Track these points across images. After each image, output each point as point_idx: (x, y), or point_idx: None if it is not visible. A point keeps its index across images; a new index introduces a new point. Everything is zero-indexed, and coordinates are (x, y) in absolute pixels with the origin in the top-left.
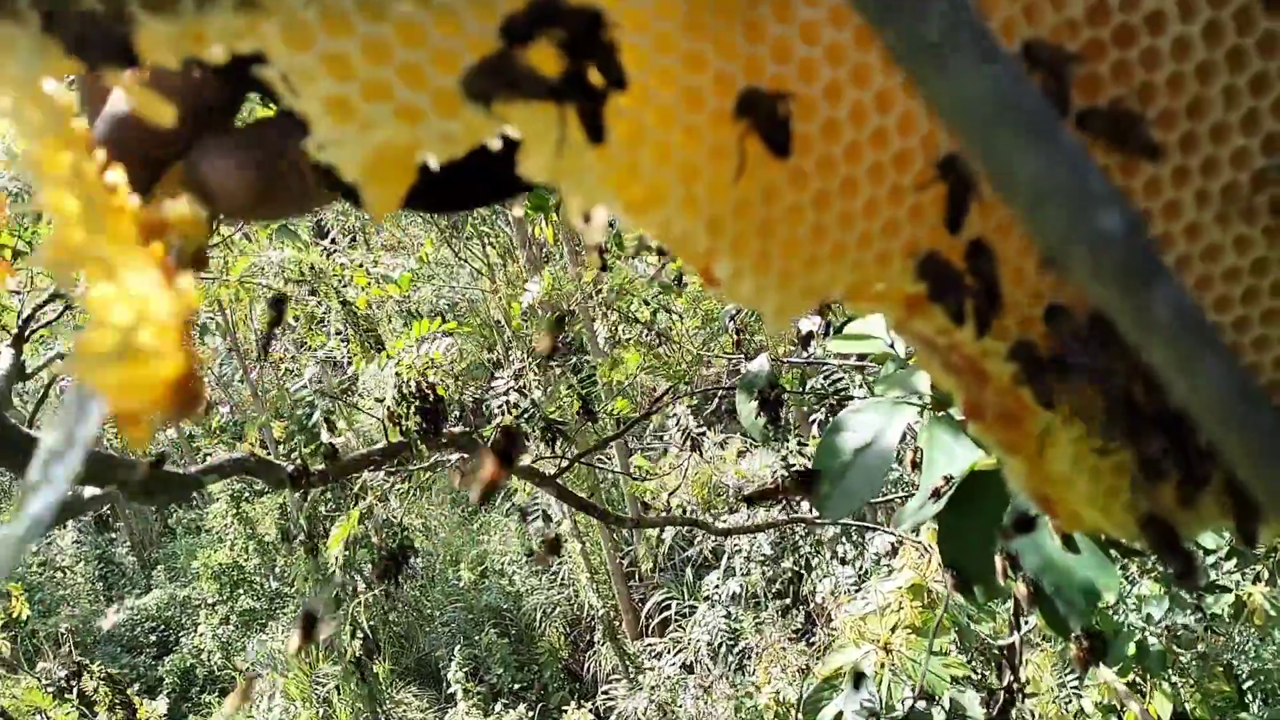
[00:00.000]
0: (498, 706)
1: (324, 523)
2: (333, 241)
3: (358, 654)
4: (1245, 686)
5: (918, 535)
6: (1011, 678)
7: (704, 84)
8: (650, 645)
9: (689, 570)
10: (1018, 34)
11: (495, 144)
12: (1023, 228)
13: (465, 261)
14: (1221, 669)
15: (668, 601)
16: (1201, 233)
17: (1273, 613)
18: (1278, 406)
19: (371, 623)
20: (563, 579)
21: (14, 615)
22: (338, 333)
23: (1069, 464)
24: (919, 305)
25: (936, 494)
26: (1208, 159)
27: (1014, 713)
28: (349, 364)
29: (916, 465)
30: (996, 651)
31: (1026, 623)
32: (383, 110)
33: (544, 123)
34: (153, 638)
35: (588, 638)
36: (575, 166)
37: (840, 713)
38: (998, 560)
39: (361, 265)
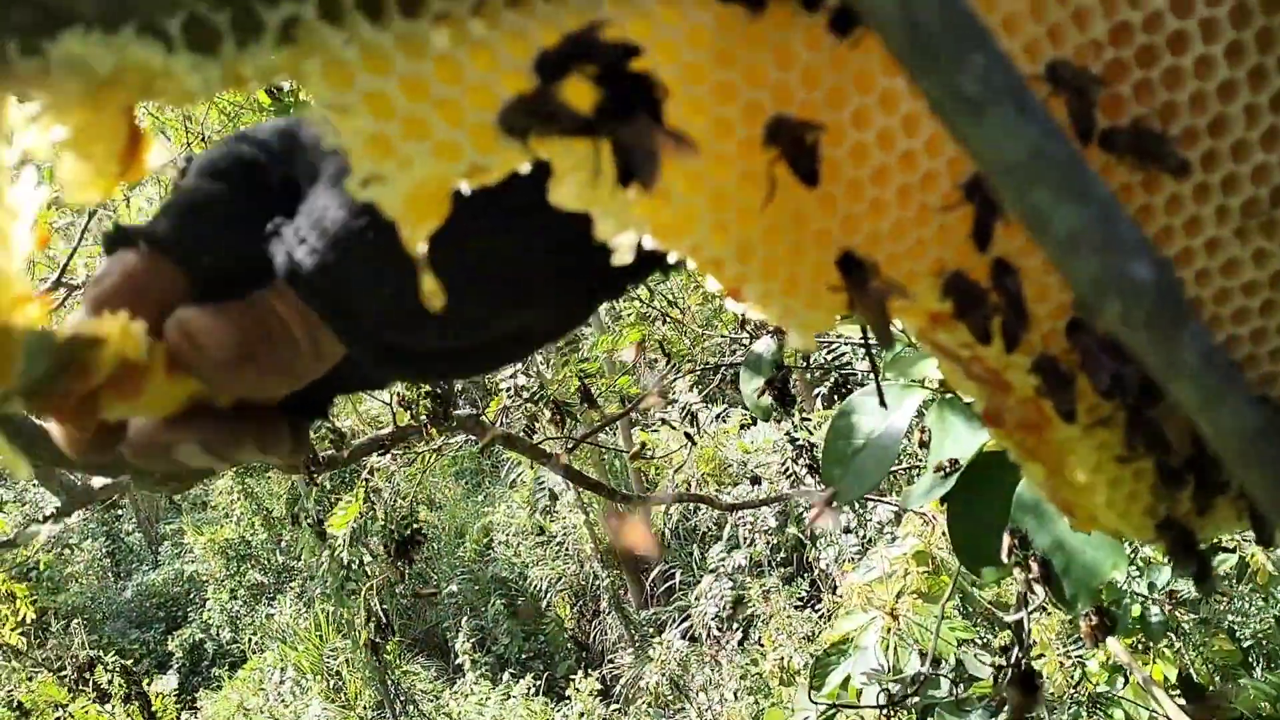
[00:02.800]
0: (505, 676)
1: (329, 498)
2: None
3: (371, 636)
4: (1247, 647)
5: (922, 505)
6: (1019, 654)
7: (733, 113)
8: (656, 614)
9: (695, 546)
10: (1042, 55)
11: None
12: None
13: None
14: (1224, 631)
15: (672, 571)
16: (1221, 247)
17: (1274, 572)
18: None
19: (381, 601)
20: (567, 550)
21: (21, 617)
22: None
23: (1090, 471)
24: (943, 320)
25: (941, 470)
26: (1229, 175)
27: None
28: None
29: (925, 445)
30: (1003, 616)
31: (1034, 597)
32: (421, 148)
33: (578, 154)
34: (161, 613)
35: (594, 608)
36: (607, 194)
37: (848, 676)
38: (1006, 540)
39: None
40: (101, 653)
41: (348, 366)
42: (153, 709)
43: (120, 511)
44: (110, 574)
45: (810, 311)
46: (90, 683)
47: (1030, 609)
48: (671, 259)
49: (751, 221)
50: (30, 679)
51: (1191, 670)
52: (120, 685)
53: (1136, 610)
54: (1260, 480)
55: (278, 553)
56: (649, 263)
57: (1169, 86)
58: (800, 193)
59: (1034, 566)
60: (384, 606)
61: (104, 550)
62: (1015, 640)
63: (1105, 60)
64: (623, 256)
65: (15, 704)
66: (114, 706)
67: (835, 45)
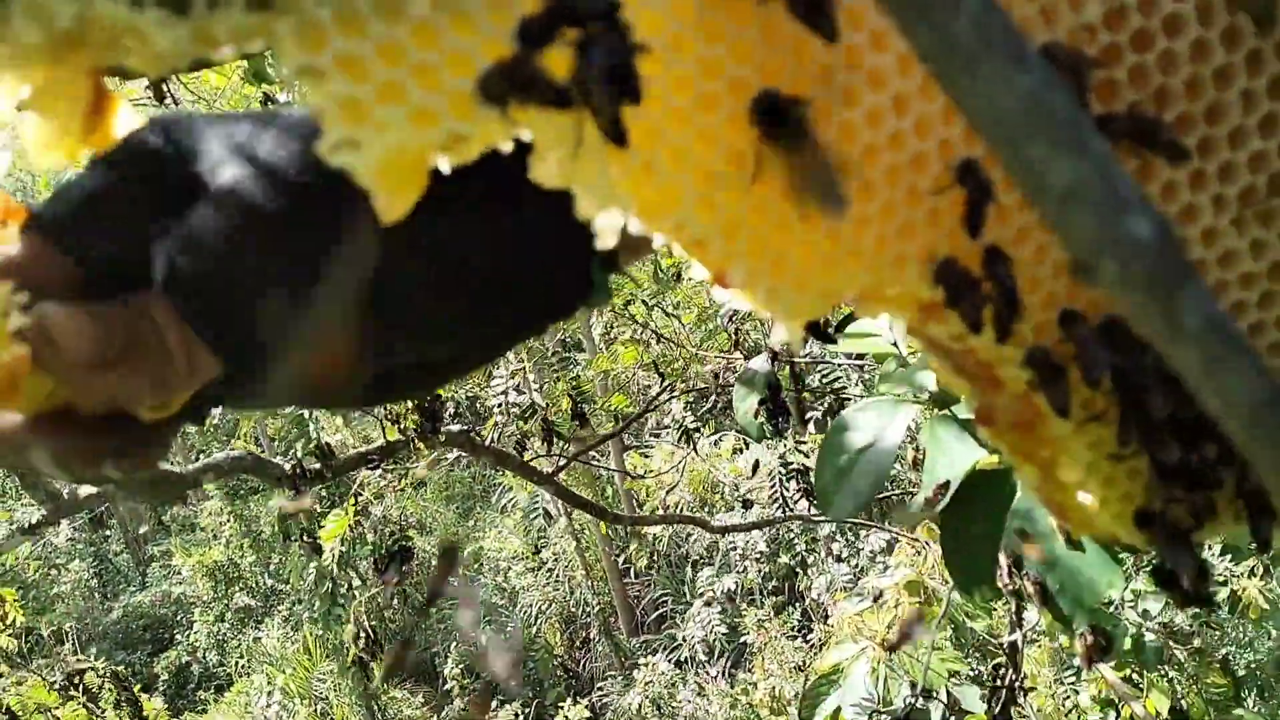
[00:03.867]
0: (494, 702)
1: (319, 516)
2: None
3: (360, 655)
4: (1240, 678)
5: (913, 532)
6: (1013, 675)
7: (719, 88)
8: (646, 642)
9: (687, 568)
10: (1035, 37)
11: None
12: (1048, 233)
13: None
14: (1218, 663)
15: (664, 598)
16: (1218, 238)
17: (1266, 606)
18: None
19: (373, 621)
20: (558, 576)
21: (7, 620)
22: None
23: (1083, 470)
24: (934, 310)
25: (930, 503)
26: (1225, 163)
27: (1013, 710)
28: None
29: (917, 464)
30: (995, 648)
31: (1027, 621)
32: (397, 112)
33: (559, 125)
34: (147, 635)
35: (584, 635)
36: (590, 169)
37: (839, 707)
38: (1002, 560)
39: None
40: (95, 666)
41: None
42: (144, 713)
43: (108, 532)
44: (97, 594)
45: (798, 294)
46: (80, 688)
47: (1025, 630)
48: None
49: (738, 199)
50: (19, 684)
51: (1184, 702)
52: (111, 691)
53: (1130, 640)
54: (1266, 454)
55: (266, 575)
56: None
57: (1164, 71)
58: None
59: (1029, 586)
60: (373, 624)
61: (91, 571)
62: (1009, 662)
63: (1100, 44)
64: (606, 239)
65: (4, 708)
66: (104, 710)
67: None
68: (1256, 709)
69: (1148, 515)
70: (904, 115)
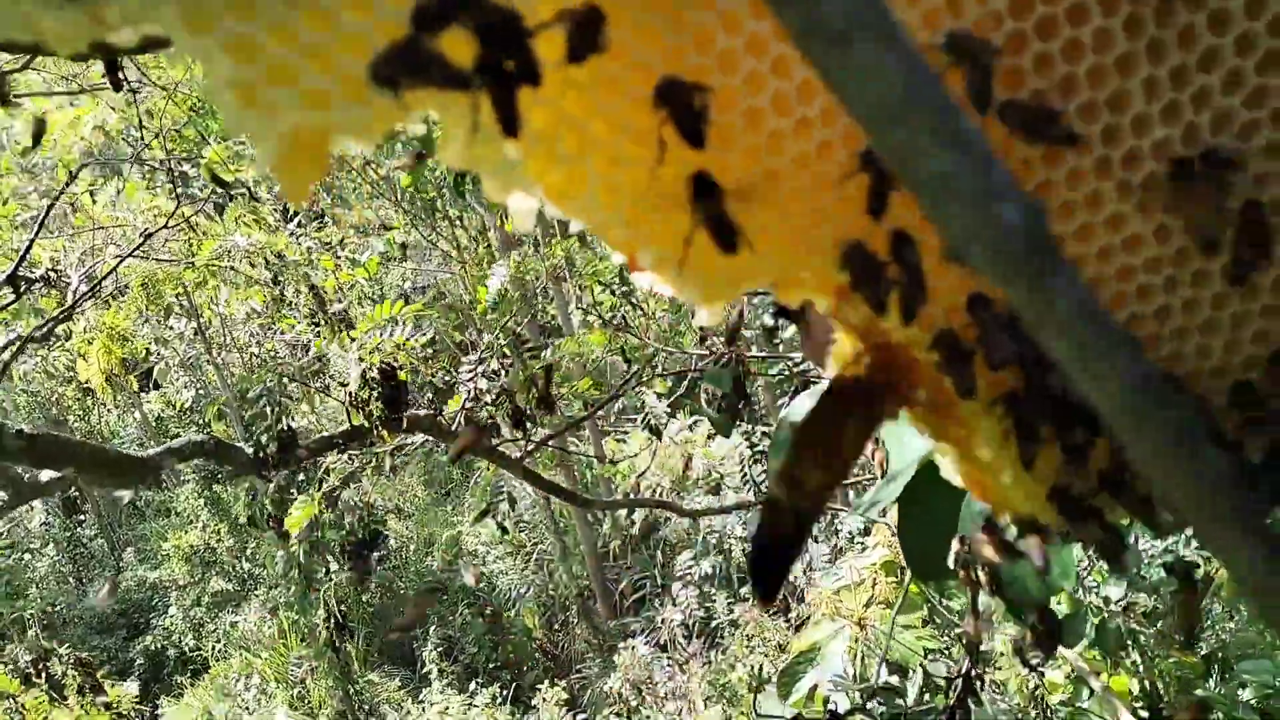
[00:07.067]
0: (472, 685)
1: (289, 500)
2: (299, 224)
3: (332, 637)
4: (1207, 657)
5: (886, 516)
6: (969, 665)
7: (624, 72)
8: (624, 624)
9: (661, 550)
10: (941, 25)
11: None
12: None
13: (434, 244)
14: (1179, 644)
15: (642, 581)
16: (1124, 223)
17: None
18: (1198, 395)
19: (344, 605)
20: (536, 559)
21: None
22: (310, 317)
23: (994, 450)
24: (846, 294)
25: (887, 476)
26: (1129, 150)
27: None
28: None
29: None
30: (959, 635)
31: (984, 605)
32: (288, 94)
33: (458, 110)
34: (122, 620)
35: (562, 618)
36: (492, 153)
37: (815, 685)
38: (955, 546)
39: (330, 247)
40: (58, 651)
41: None
42: (109, 701)
43: (83, 517)
44: (71, 579)
45: (705, 280)
46: (44, 675)
47: (981, 618)
48: None
49: (643, 184)
50: None
51: (1154, 681)
52: (74, 678)
53: (1094, 621)
54: (1140, 440)
55: (243, 560)
56: None
57: (1068, 60)
58: (694, 157)
59: (982, 575)
60: (342, 608)
61: (65, 556)
62: (967, 651)
63: (1005, 32)
64: (522, 222)
65: None
66: (68, 697)
67: (727, 7)
68: (1219, 689)
69: (1058, 492)
70: (809, 102)
